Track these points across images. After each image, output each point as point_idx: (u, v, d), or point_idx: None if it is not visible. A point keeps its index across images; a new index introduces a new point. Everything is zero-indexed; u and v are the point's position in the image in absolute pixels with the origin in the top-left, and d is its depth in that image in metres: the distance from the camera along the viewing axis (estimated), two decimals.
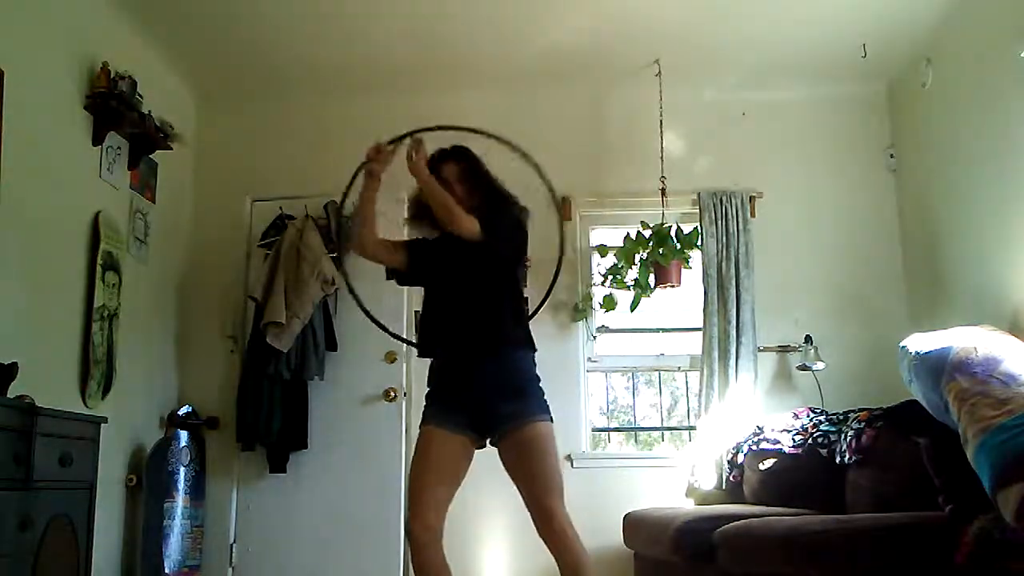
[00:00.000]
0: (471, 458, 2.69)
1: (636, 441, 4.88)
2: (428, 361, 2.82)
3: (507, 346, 2.70)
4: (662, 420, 4.81)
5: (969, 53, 3.94)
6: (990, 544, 2.42)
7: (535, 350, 2.78)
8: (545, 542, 2.57)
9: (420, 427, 2.70)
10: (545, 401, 2.68)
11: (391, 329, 3.20)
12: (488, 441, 2.68)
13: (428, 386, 2.77)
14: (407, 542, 2.62)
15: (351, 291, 3.09)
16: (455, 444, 2.64)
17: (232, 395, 4.35)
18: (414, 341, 2.93)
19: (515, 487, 2.63)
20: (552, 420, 2.67)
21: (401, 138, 2.86)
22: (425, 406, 2.74)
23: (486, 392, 2.63)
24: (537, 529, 2.57)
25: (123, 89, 3.73)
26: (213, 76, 4.60)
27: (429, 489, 2.59)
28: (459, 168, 2.85)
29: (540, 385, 2.71)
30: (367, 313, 3.09)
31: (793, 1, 3.93)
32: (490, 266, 2.74)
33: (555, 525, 2.54)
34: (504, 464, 2.64)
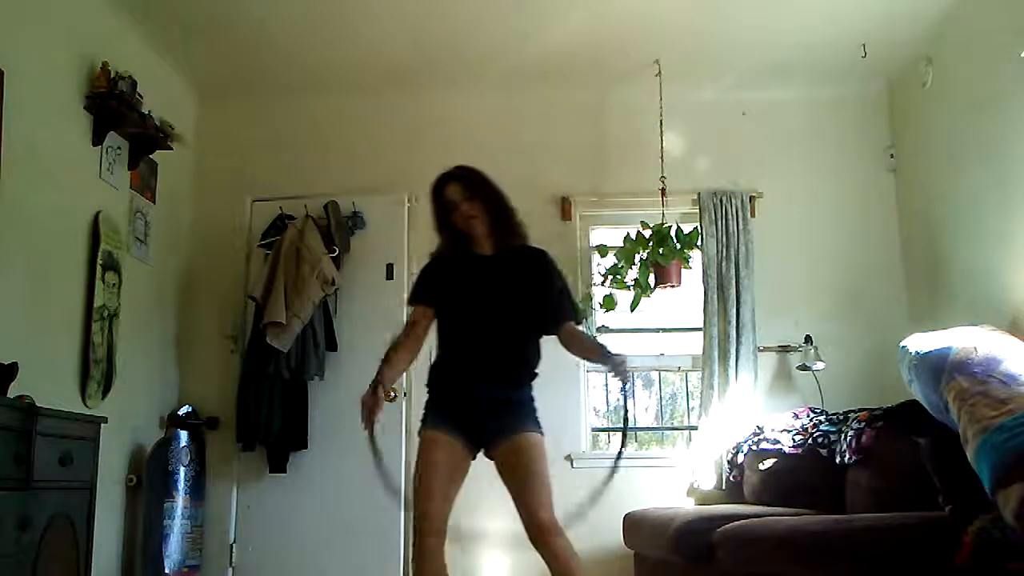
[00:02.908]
0: (469, 468, 2.73)
1: (636, 441, 4.88)
2: (427, 362, 2.83)
3: (523, 385, 2.78)
4: (662, 420, 4.82)
5: (969, 53, 3.94)
6: (990, 544, 2.42)
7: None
8: (535, 548, 2.58)
9: (424, 432, 2.71)
10: (538, 419, 2.75)
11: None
12: (483, 452, 2.72)
13: (432, 393, 2.78)
14: (415, 546, 2.61)
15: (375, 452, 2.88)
16: (461, 449, 2.68)
17: (232, 395, 4.34)
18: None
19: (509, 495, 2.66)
20: (543, 435, 2.72)
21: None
22: (428, 413, 2.76)
23: (493, 410, 2.68)
24: (528, 534, 2.59)
25: (123, 89, 3.73)
26: (213, 76, 4.60)
27: (442, 492, 2.62)
28: (460, 185, 2.80)
29: (535, 404, 2.78)
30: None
31: (793, 1, 3.93)
32: (535, 318, 2.76)
33: (544, 533, 2.56)
34: (500, 472, 2.68)
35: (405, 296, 4.41)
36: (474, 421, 2.68)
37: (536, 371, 2.80)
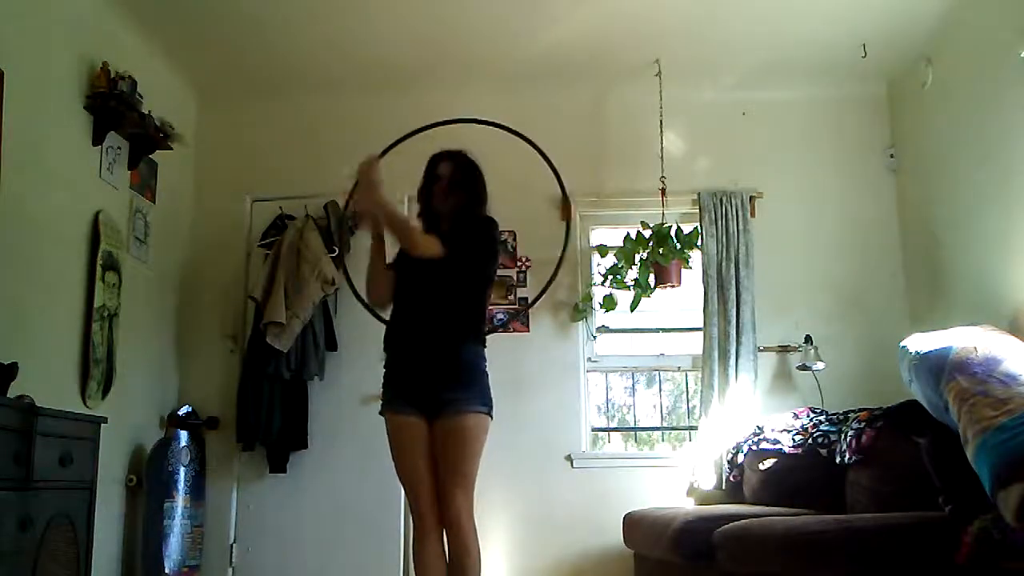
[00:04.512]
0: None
1: (636, 440, 4.88)
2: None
3: (459, 341, 2.85)
4: (662, 420, 4.82)
5: (969, 53, 3.94)
6: (990, 544, 2.42)
7: (485, 345, 2.93)
8: (443, 527, 2.75)
9: (386, 413, 2.88)
10: (489, 394, 2.85)
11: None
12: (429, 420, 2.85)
13: (386, 369, 2.94)
14: (414, 531, 2.80)
15: (353, 289, 3.26)
16: (421, 422, 2.81)
17: (232, 395, 4.35)
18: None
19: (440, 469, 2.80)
20: (491, 415, 2.84)
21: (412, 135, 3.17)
22: (385, 389, 2.91)
23: (437, 379, 2.79)
24: (443, 518, 2.75)
25: (123, 89, 3.73)
26: (213, 76, 4.60)
27: (424, 479, 2.78)
28: (452, 166, 3.00)
29: (487, 379, 2.88)
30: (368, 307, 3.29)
31: (793, 1, 3.93)
32: (452, 273, 2.88)
33: (453, 513, 2.71)
34: (435, 442, 2.80)
35: None
36: (424, 393, 2.79)
37: (469, 332, 2.88)
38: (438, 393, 2.78)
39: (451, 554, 2.73)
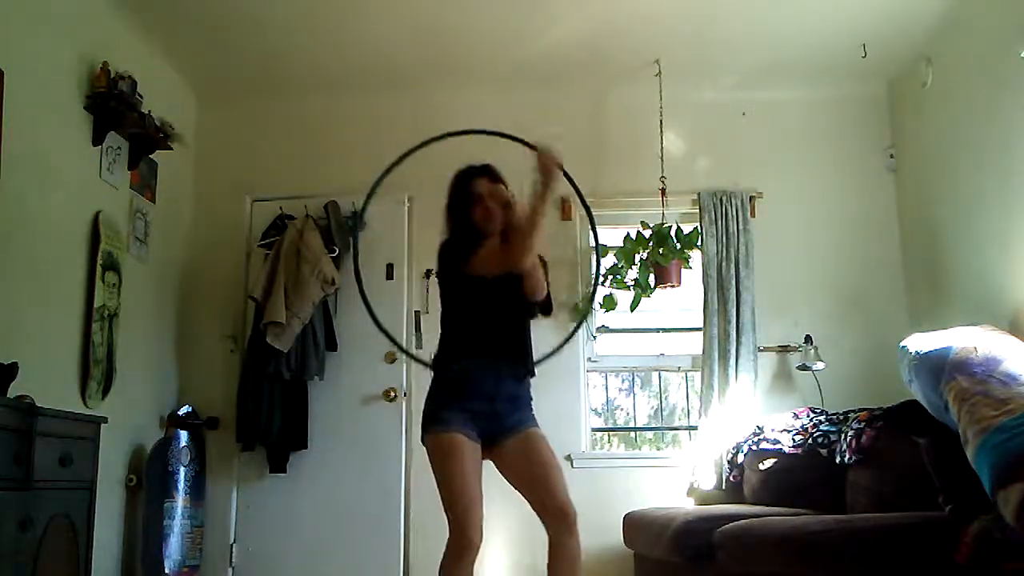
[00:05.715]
0: None
1: (636, 440, 4.88)
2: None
3: (530, 369, 2.87)
4: (662, 420, 4.82)
5: (969, 53, 3.94)
6: (990, 544, 2.42)
7: None
8: (557, 534, 2.65)
9: (443, 432, 2.64)
10: None
11: (397, 342, 3.17)
12: (485, 446, 2.73)
13: (444, 389, 2.73)
14: (455, 548, 2.59)
15: (365, 299, 3.13)
16: (479, 448, 2.69)
17: (232, 395, 4.35)
18: (412, 352, 2.92)
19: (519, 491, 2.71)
20: None
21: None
22: (442, 410, 2.68)
23: (506, 406, 2.72)
24: (552, 522, 2.65)
25: (123, 89, 3.73)
26: (213, 76, 4.60)
27: (478, 496, 2.63)
28: (491, 183, 2.84)
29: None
30: (377, 323, 3.16)
31: (793, 1, 3.94)
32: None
33: (571, 509, 2.64)
34: (508, 467, 2.71)
35: (405, 295, 4.47)
36: (494, 419, 2.69)
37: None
38: (505, 418, 2.70)
39: (567, 546, 2.67)
